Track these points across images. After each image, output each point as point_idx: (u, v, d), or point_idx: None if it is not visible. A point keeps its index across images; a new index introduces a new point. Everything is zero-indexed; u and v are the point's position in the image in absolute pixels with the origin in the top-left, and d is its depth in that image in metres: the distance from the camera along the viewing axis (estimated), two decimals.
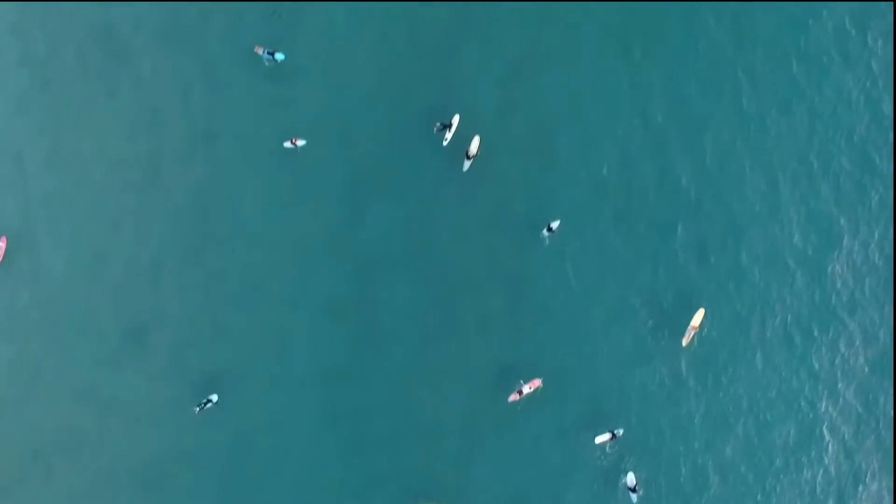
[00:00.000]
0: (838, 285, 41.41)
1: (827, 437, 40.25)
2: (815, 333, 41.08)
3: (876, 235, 41.81)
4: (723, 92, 42.99)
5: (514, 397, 40.31)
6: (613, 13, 43.53)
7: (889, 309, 41.06)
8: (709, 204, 42.03)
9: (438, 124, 42.29)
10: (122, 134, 42.95)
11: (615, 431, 39.77)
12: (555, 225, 41.65)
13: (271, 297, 41.63)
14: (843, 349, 40.90)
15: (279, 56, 42.87)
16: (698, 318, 40.91)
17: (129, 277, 41.93)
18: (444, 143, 42.33)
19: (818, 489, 39.78)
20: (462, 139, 42.25)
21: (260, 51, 42.97)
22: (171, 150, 42.75)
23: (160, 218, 42.26)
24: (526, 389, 40.26)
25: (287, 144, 42.35)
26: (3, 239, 42.00)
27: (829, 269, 41.49)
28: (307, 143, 42.35)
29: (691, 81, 43.06)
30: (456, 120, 42.41)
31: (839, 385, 40.66)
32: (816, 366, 40.80)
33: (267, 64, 42.92)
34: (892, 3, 43.87)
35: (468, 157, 41.95)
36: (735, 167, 42.47)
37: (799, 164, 42.43)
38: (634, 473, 39.48)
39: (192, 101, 43.08)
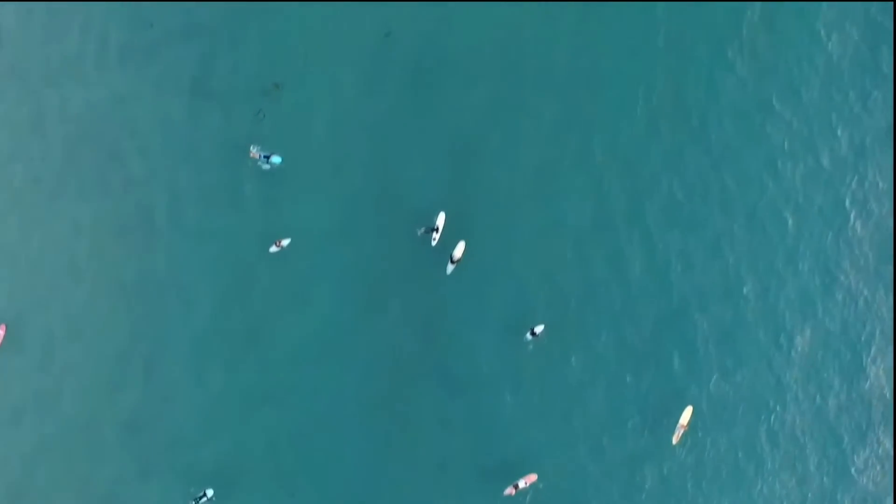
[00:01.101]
0: (826, 384, 41.99)
1: None
2: (800, 438, 41.91)
3: (862, 336, 42.28)
4: (709, 194, 43.19)
5: (509, 491, 41.04)
6: (601, 124, 43.88)
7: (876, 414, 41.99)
8: (695, 306, 42.47)
9: (423, 228, 42.56)
10: (113, 233, 43.48)
11: None
12: (538, 329, 42.18)
13: (259, 397, 42.22)
14: (830, 453, 41.62)
15: (276, 159, 42.92)
16: (686, 415, 41.45)
17: (122, 373, 42.56)
18: (433, 244, 42.62)
19: None
20: (451, 236, 42.60)
21: (256, 154, 42.97)
22: (162, 249, 43.23)
23: (151, 316, 42.86)
24: (522, 484, 40.98)
25: (273, 248, 42.74)
26: (3, 327, 43.32)
27: (818, 369, 42.08)
28: (292, 241, 42.56)
29: (676, 184, 43.27)
30: (441, 220, 42.67)
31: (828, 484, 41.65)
32: (800, 468, 41.69)
33: (264, 168, 43.01)
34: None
35: (452, 262, 42.31)
36: (719, 268, 42.85)
37: (785, 264, 42.78)
38: None
39: (182, 201, 43.46)
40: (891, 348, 42.11)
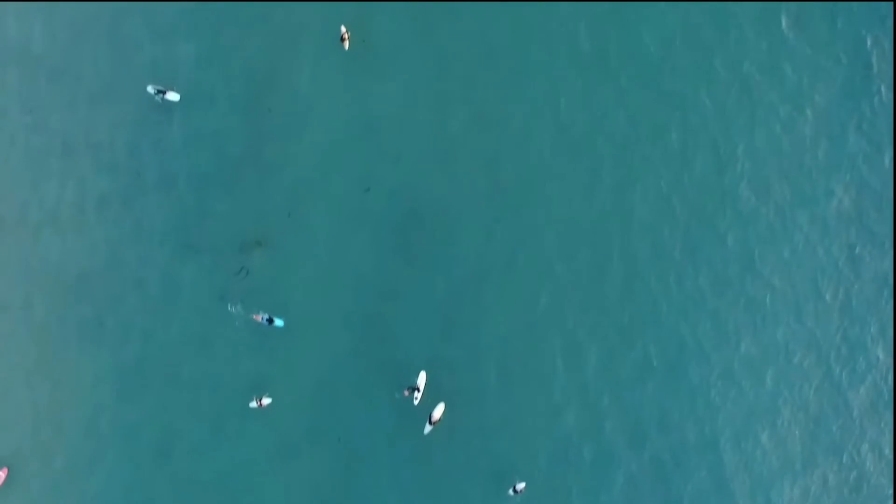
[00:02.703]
0: None
1: None
2: None
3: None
4: (684, 350, 43.62)
5: None
6: (578, 286, 44.05)
7: None
8: (671, 466, 43.44)
9: (406, 390, 43.26)
10: (99, 381, 43.64)
11: None
12: (520, 486, 42.90)
13: None
14: None
15: (278, 322, 43.07)
16: None
17: None
18: (416, 403, 43.15)
19: None
20: (432, 396, 43.17)
21: (259, 318, 43.13)
22: (143, 398, 43.45)
23: (126, 463, 43.29)
24: None
25: (252, 404, 43.08)
26: (5, 470, 45.27)
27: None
28: (273, 401, 42.93)
29: (651, 346, 43.69)
30: (422, 379, 43.27)
31: None
32: None
33: (268, 325, 43.30)
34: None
35: (431, 423, 43.28)
36: (695, 427, 43.87)
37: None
38: None
39: (170, 350, 43.71)
40: None
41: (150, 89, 44.11)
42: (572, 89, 44.71)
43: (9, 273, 44.03)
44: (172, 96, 44.12)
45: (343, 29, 44.43)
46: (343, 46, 44.48)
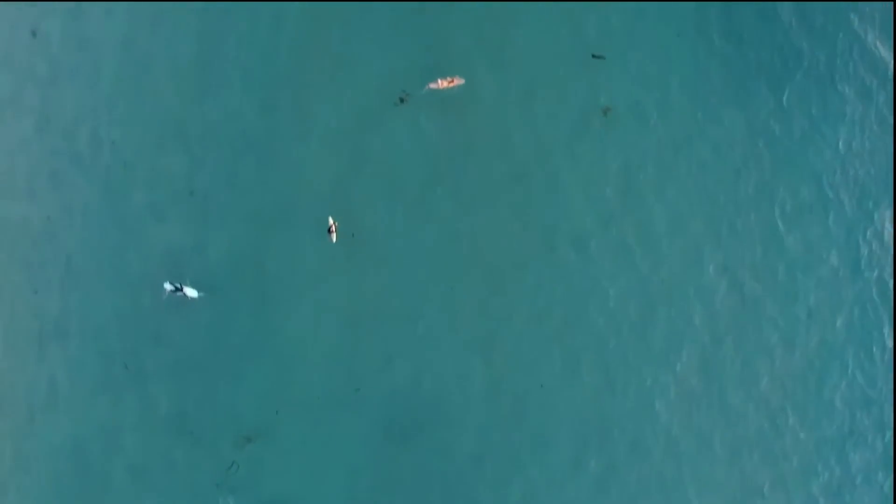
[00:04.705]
0: None
1: None
2: None
3: None
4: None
5: None
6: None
7: None
8: None
9: None
10: None
11: None
12: None
13: None
14: None
15: None
16: None
17: None
18: None
19: None
20: None
21: None
22: None
23: None
24: None
25: None
26: None
27: None
28: None
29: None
30: None
31: None
32: None
33: None
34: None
35: None
36: None
37: None
38: None
39: None
40: None
41: (168, 286, 44.75)
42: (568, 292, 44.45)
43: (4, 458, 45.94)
44: (190, 292, 44.76)
45: (331, 220, 44.28)
46: (330, 239, 44.41)
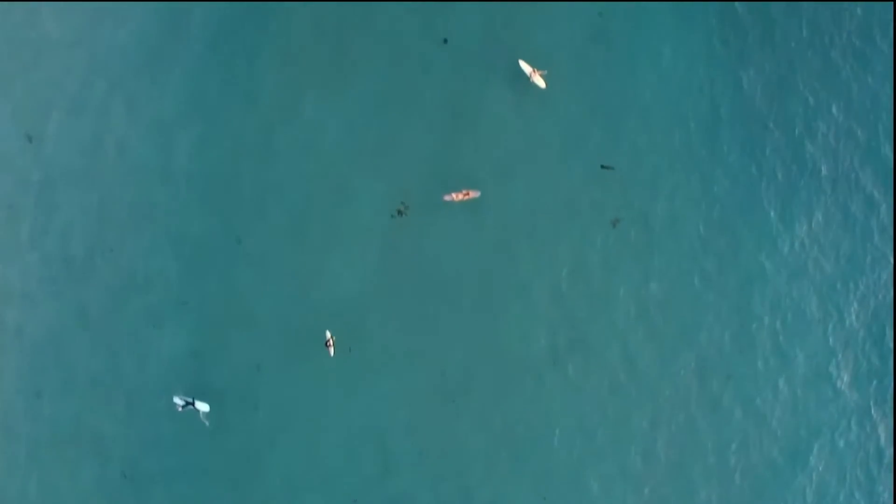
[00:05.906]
0: None
1: None
2: None
3: None
4: None
5: None
6: None
7: None
8: None
9: None
10: None
11: None
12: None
13: None
14: None
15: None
16: None
17: None
18: None
19: None
20: None
21: None
22: None
23: None
24: None
25: None
26: None
27: None
28: None
29: None
30: None
31: None
32: None
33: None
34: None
35: None
36: None
37: None
38: None
39: None
40: None
41: (178, 400, 44.43)
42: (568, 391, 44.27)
43: None
44: (202, 406, 44.46)
45: (328, 334, 43.99)
46: (328, 353, 44.14)
